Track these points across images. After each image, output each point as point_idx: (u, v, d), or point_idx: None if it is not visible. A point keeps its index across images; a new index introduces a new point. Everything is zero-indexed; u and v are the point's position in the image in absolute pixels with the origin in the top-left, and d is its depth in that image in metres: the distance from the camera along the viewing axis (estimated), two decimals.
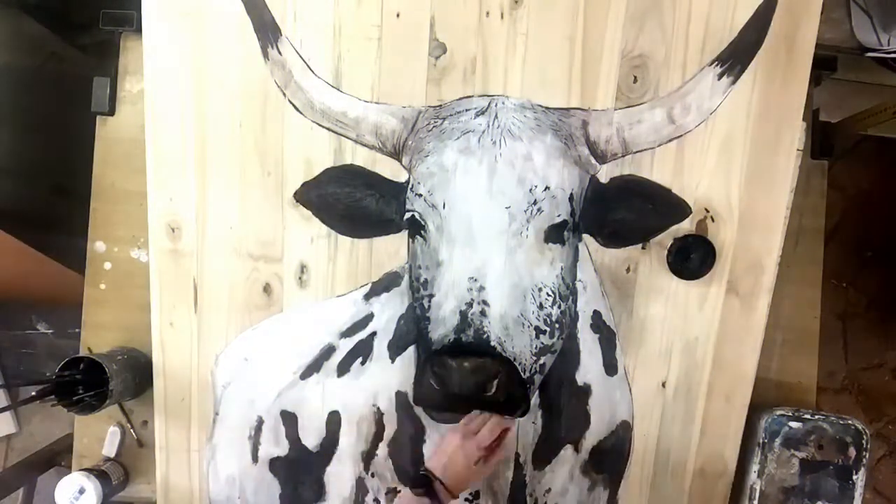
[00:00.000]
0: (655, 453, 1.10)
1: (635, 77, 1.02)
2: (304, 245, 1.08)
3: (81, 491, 1.13)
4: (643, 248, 1.06)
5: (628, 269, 1.07)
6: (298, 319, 1.10)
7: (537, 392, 1.03)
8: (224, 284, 1.10)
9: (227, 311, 1.11)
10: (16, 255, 1.40)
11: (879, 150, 2.00)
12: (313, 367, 1.11)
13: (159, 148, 1.08)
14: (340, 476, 1.12)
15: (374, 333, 1.09)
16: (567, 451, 1.10)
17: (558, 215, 0.96)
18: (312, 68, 1.04)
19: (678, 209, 1.04)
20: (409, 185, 1.01)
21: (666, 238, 1.05)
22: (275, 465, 1.13)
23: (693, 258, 1.05)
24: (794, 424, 1.10)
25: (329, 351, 1.10)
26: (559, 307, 0.98)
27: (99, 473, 1.15)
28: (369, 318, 1.09)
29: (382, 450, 1.10)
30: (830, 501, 1.09)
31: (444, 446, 0.93)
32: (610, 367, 1.08)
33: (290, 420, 1.12)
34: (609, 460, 1.10)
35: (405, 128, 1.02)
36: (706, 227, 1.05)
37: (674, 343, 1.08)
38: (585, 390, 1.07)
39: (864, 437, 1.09)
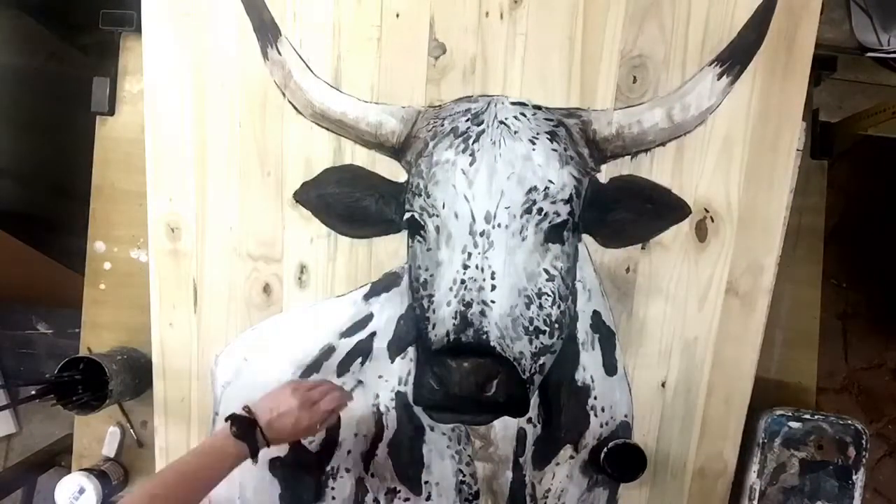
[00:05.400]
0: (655, 453, 1.10)
1: (635, 77, 1.02)
2: (303, 245, 1.08)
3: (81, 491, 1.13)
4: (643, 248, 1.06)
5: (628, 269, 1.06)
6: (298, 319, 1.10)
7: (537, 392, 1.03)
8: (224, 284, 1.10)
9: (227, 312, 1.11)
10: (16, 255, 1.40)
11: (879, 150, 2.00)
12: (313, 368, 1.10)
13: (159, 148, 1.08)
14: (340, 476, 1.12)
15: (373, 334, 1.09)
16: (567, 451, 1.10)
17: (558, 215, 0.96)
18: (312, 68, 1.04)
19: (678, 209, 1.04)
20: (409, 186, 1.01)
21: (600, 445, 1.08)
22: (275, 465, 1.13)
23: (626, 463, 1.06)
24: (793, 424, 1.10)
25: (329, 351, 1.10)
26: (559, 307, 0.98)
27: (99, 473, 1.15)
28: (369, 318, 1.09)
29: (382, 450, 1.10)
30: (830, 501, 1.09)
31: (277, 402, 0.93)
32: (609, 367, 1.08)
33: None
34: None
35: (405, 128, 1.02)
36: (706, 228, 1.05)
37: (673, 343, 1.08)
38: (585, 390, 1.07)
39: (864, 437, 1.09)
